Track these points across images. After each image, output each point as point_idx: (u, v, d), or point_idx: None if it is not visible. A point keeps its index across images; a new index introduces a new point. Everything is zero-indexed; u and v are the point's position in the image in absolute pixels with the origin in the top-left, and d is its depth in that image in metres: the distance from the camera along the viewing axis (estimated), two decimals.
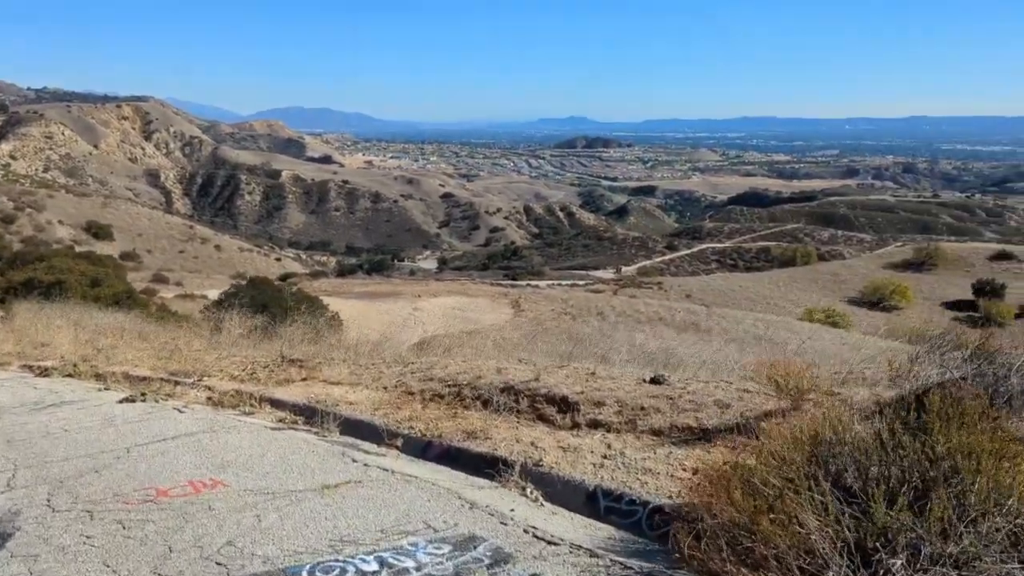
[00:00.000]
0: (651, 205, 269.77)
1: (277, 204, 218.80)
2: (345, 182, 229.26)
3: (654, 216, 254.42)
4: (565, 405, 5.64)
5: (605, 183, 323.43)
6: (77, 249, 37.29)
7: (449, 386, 6.28)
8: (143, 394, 6.85)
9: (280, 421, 6.18)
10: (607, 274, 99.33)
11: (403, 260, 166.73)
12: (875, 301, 73.77)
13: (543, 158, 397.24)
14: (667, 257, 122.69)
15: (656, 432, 5.00)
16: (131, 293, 21.76)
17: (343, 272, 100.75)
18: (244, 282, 25.48)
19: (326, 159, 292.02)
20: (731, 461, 3.67)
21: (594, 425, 5.36)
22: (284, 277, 44.33)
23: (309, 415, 6.20)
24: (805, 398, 4.71)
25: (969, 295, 71.73)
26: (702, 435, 4.86)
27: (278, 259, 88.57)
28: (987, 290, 70.87)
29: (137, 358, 8.58)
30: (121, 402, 6.79)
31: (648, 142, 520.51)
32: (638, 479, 4.51)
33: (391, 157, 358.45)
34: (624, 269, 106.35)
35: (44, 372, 8.39)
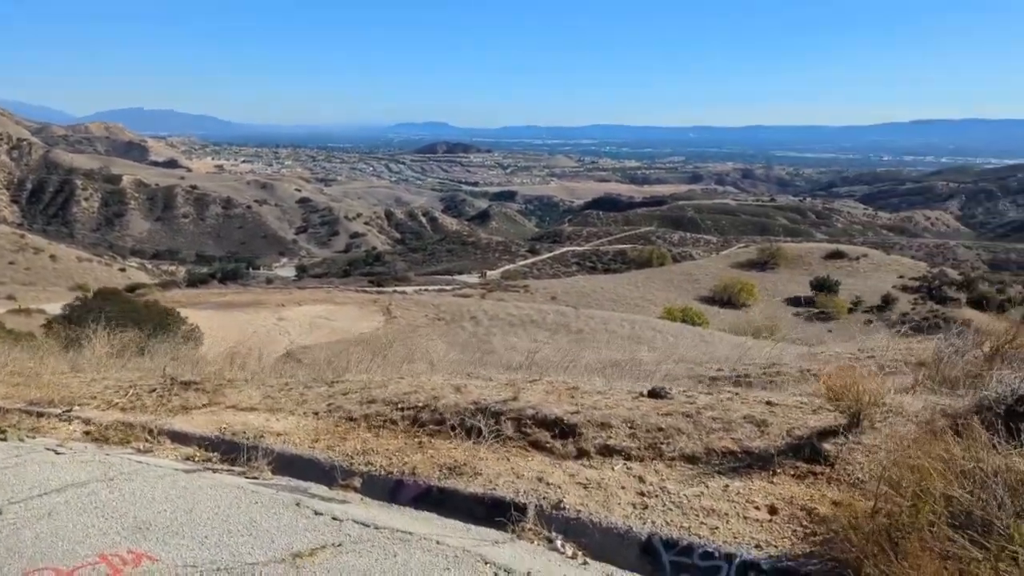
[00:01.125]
0: (512, 210, 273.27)
1: (118, 211, 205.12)
2: (193, 187, 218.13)
3: (515, 221, 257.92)
4: (562, 429, 4.81)
5: (466, 188, 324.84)
6: None
7: (401, 409, 5.34)
8: (2, 431, 5.39)
9: (189, 459, 5.05)
10: (472, 278, 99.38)
11: (259, 268, 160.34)
12: (725, 299, 77.46)
13: (403, 163, 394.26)
14: (530, 260, 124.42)
15: (691, 459, 4.24)
16: None
17: (194, 282, 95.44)
18: (90, 294, 23.11)
19: (171, 163, 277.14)
20: (867, 505, 2.89)
21: (606, 452, 4.53)
22: (132, 288, 41.04)
23: (226, 451, 5.11)
24: (865, 413, 4.05)
25: (808, 291, 76.64)
26: (751, 461, 4.10)
27: (122, 269, 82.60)
28: (824, 287, 75.97)
29: (14, 383, 7.07)
30: None
31: (507, 148, 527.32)
32: (702, 523, 3.70)
33: (243, 161, 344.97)
34: (489, 273, 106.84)
35: None
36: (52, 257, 75.38)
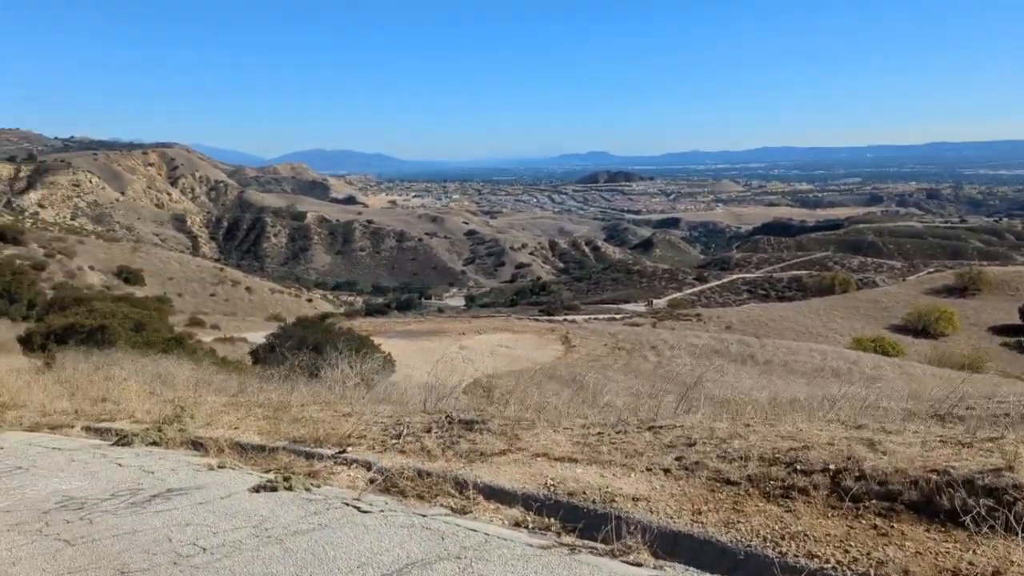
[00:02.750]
0: (676, 237, 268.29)
1: (303, 245, 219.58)
2: (370, 222, 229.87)
3: (679, 248, 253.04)
4: None
5: (628, 216, 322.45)
6: (112, 294, 36.39)
7: (802, 472, 4.05)
8: (286, 479, 4.84)
9: (519, 525, 4.11)
10: (639, 307, 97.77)
11: (430, 298, 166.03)
12: (920, 328, 71.75)
13: (566, 193, 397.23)
14: (697, 289, 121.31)
15: None
16: (179, 338, 20.49)
17: (371, 312, 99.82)
18: (289, 323, 24.16)
19: (350, 200, 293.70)
20: None
21: None
22: (323, 317, 43.19)
23: (567, 517, 4.09)
24: None
25: (1016, 320, 69.68)
26: None
27: (309, 300, 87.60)
28: None
29: (236, 418, 7.05)
30: (256, 491, 4.81)
31: (669, 175, 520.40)
32: None
33: (414, 196, 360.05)
34: (655, 302, 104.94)
35: (122, 439, 6.72)
36: (248, 289, 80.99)
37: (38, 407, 9.23)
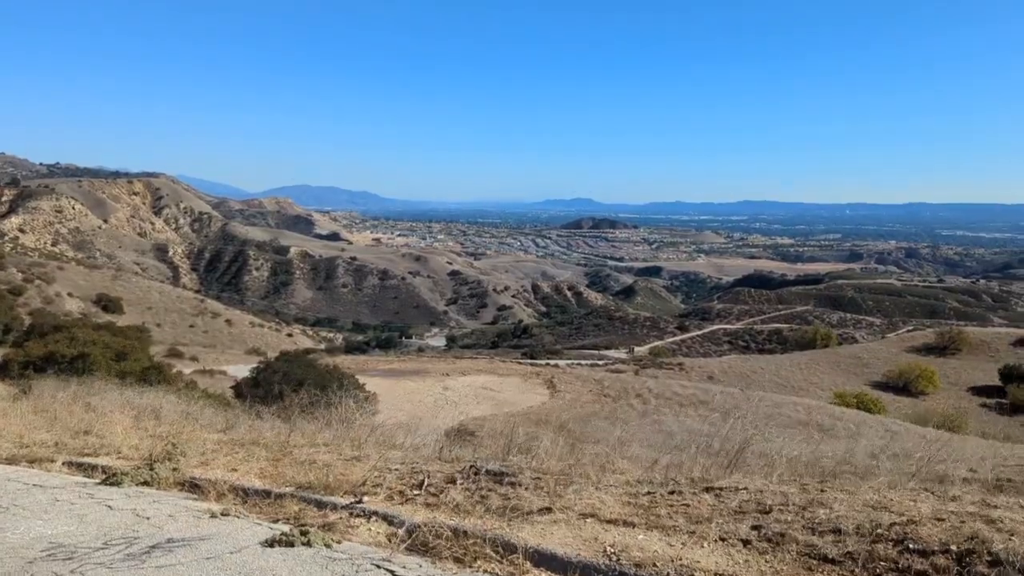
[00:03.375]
0: (657, 285, 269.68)
1: (285, 280, 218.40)
2: (353, 259, 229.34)
3: (661, 297, 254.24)
4: None
5: (611, 263, 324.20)
6: (92, 321, 35.62)
7: (917, 553, 3.52)
8: (303, 531, 4.25)
9: None
10: (620, 354, 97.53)
11: (411, 337, 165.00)
12: (900, 385, 72.07)
13: (550, 238, 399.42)
14: (679, 337, 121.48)
15: None
16: (159, 368, 19.91)
17: (351, 349, 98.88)
18: (272, 357, 23.59)
19: (334, 236, 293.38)
20: None
21: None
22: (306, 352, 42.51)
23: None
24: None
25: (996, 381, 70.04)
26: None
27: (289, 335, 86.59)
28: (1014, 376, 69.17)
29: (234, 458, 6.48)
30: (269, 544, 4.24)
31: (653, 224, 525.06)
32: None
33: (399, 235, 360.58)
34: (636, 349, 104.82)
35: (110, 478, 6.08)
36: (228, 322, 79.96)
37: (14, 437, 8.68)
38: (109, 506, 5.05)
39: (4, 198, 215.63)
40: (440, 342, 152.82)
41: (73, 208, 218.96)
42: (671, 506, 4.31)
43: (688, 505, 4.30)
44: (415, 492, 4.95)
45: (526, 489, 4.75)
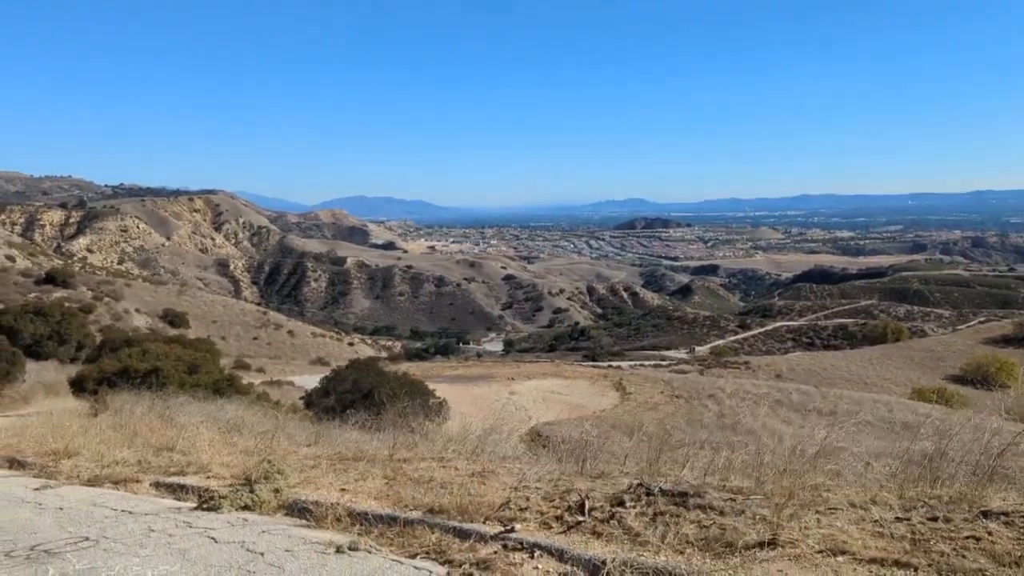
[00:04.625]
0: (715, 284, 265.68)
1: (343, 290, 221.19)
2: (409, 267, 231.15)
3: (718, 295, 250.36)
4: None
5: (666, 263, 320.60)
6: (164, 335, 36.00)
7: None
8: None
9: None
10: (680, 354, 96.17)
11: (468, 343, 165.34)
12: (979, 379, 69.15)
13: (603, 239, 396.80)
14: (740, 336, 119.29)
15: None
16: (232, 380, 19.70)
17: (411, 356, 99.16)
18: (343, 366, 23.29)
19: (389, 245, 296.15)
20: None
21: None
22: (374, 361, 42.30)
23: None
24: None
25: None
26: None
27: (351, 343, 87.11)
28: None
29: (340, 476, 5.80)
30: None
31: (707, 222, 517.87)
32: None
33: (452, 242, 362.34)
34: (697, 349, 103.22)
35: (206, 502, 5.50)
36: (290, 333, 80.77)
37: (95, 455, 8.28)
38: (213, 538, 4.41)
39: (72, 219, 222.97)
40: (497, 347, 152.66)
41: (137, 227, 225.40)
42: (950, 539, 3.38)
43: (977, 539, 3.36)
44: (577, 517, 4.15)
45: (723, 514, 3.90)
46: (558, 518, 4.26)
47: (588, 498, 4.35)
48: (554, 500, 4.54)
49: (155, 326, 67.78)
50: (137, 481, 6.61)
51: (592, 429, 22.21)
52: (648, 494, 4.25)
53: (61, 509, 5.48)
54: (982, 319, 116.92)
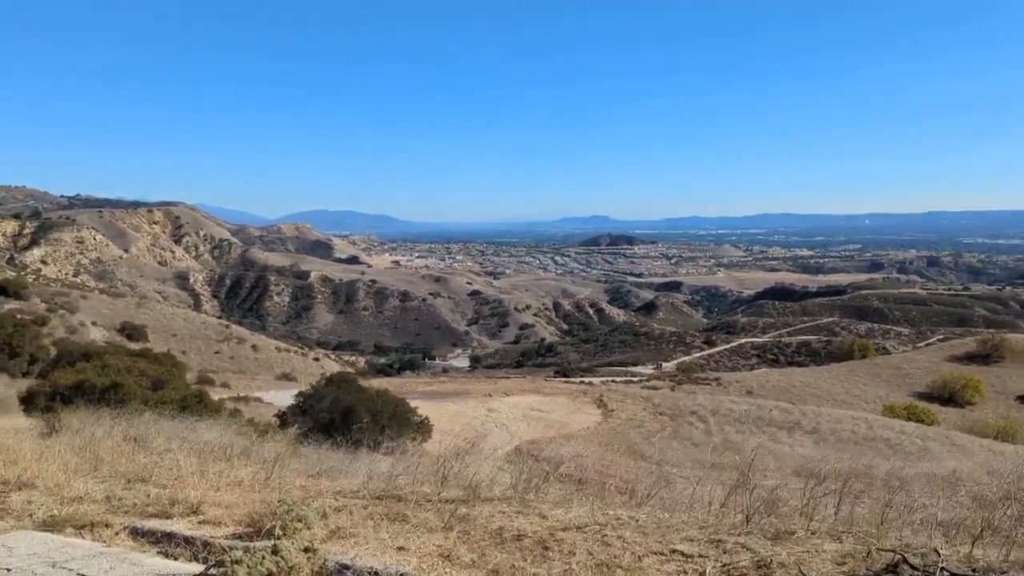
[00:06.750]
0: (679, 300, 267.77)
1: (306, 304, 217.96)
2: (373, 281, 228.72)
3: (683, 312, 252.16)
4: None
5: (631, 279, 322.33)
6: (126, 347, 34.07)
7: None
8: None
9: None
10: (647, 370, 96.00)
11: (434, 358, 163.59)
12: (946, 396, 70.21)
13: (568, 255, 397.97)
14: (706, 352, 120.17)
15: None
16: (201, 396, 18.19)
17: (376, 372, 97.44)
18: (320, 382, 21.89)
19: (353, 260, 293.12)
20: None
21: None
22: (346, 377, 40.72)
23: None
24: None
25: None
26: None
27: (316, 359, 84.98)
28: None
29: (383, 527, 4.40)
30: None
31: (670, 239, 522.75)
32: None
33: (417, 256, 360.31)
34: (664, 365, 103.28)
35: (213, 566, 3.94)
36: (254, 347, 78.45)
37: (52, 487, 6.81)
38: None
39: (26, 231, 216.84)
40: (464, 363, 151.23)
41: (94, 239, 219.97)
42: None
43: None
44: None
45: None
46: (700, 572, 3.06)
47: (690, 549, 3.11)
48: (667, 557, 3.32)
49: (112, 339, 65.24)
50: (107, 525, 5.17)
51: (585, 449, 21.02)
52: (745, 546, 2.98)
53: (9, 571, 4.03)
54: (941, 336, 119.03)
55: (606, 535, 3.87)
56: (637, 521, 4.16)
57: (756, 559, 3.64)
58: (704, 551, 3.67)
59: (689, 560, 3.53)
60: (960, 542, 3.63)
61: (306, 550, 3.67)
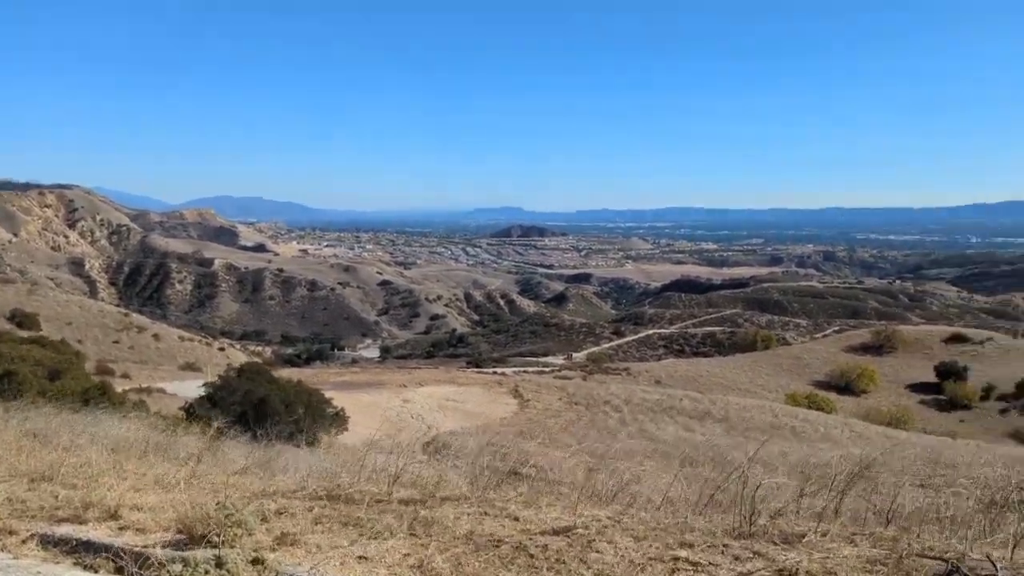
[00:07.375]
0: (588, 292, 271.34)
1: (209, 293, 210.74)
2: (280, 270, 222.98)
3: (592, 303, 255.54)
4: None
5: (541, 271, 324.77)
6: (19, 335, 31.95)
7: None
8: None
9: None
10: (558, 360, 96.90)
11: (343, 349, 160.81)
12: (843, 385, 73.73)
13: (480, 247, 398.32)
14: (615, 343, 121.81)
15: None
16: (104, 388, 17.13)
17: (283, 362, 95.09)
18: (231, 372, 20.93)
19: (259, 247, 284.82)
20: None
21: None
22: (261, 367, 39.39)
23: None
24: None
25: (932, 378, 72.22)
26: None
27: (221, 348, 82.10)
28: (950, 372, 71.45)
29: (335, 531, 4.04)
30: None
31: (581, 231, 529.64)
32: None
33: (326, 245, 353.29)
34: (575, 355, 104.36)
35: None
36: (155, 336, 75.26)
37: None
38: None
39: None
40: (374, 353, 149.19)
41: None
42: None
43: None
44: None
45: None
46: None
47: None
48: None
49: (1, 327, 61.44)
50: (12, 532, 4.55)
51: (511, 441, 20.89)
52: None
53: None
54: (837, 328, 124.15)
55: (593, 540, 3.65)
56: (619, 523, 3.97)
57: (777, 568, 3.48)
58: (711, 558, 3.58)
59: (699, 569, 3.37)
60: (975, 541, 3.54)
61: (255, 561, 3.26)
